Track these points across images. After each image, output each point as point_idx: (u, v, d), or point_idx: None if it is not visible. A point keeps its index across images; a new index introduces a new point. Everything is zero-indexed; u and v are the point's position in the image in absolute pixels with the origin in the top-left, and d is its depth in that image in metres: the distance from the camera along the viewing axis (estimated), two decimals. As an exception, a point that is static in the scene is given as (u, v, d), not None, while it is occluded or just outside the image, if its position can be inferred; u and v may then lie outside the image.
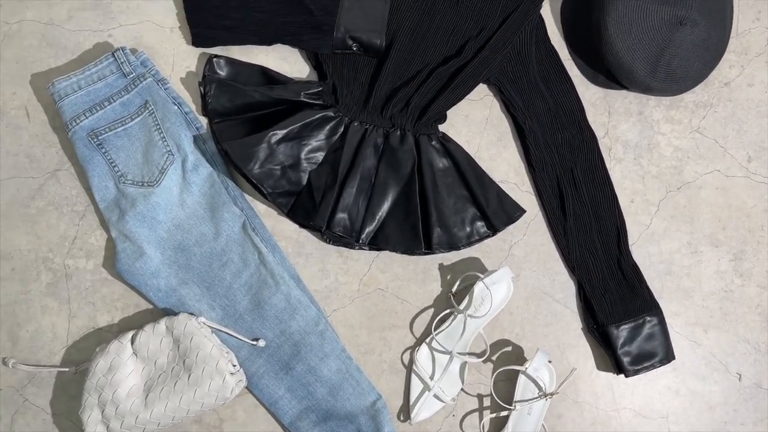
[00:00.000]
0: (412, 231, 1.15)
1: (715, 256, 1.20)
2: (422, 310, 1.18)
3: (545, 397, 1.10)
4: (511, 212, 1.18)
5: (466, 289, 1.17)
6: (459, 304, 1.15)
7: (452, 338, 1.14)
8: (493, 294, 1.13)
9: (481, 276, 1.12)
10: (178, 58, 1.21)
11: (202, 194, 1.17)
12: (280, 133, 1.14)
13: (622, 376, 1.16)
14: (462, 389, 1.15)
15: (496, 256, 1.20)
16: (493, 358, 1.17)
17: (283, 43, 1.19)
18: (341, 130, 1.18)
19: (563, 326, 1.18)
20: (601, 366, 1.18)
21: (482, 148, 1.23)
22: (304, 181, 1.17)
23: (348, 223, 1.14)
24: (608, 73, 1.21)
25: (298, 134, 1.16)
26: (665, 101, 1.24)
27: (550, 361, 1.14)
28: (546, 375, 1.12)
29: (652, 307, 1.17)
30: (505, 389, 1.16)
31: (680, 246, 1.21)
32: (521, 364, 1.11)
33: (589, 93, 1.24)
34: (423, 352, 1.15)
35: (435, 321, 1.15)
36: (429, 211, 1.15)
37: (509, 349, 1.17)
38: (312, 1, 1.17)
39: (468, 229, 1.17)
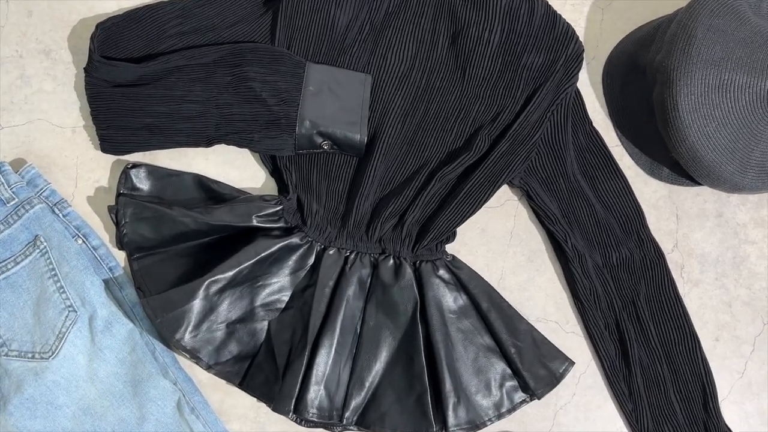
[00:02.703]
0: (418, 405, 0.81)
1: (837, 411, 0.87)
2: None
3: None
4: (555, 367, 0.84)
5: (497, 481, 0.83)
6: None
7: None
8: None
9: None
10: (83, 170, 0.88)
11: (119, 363, 0.83)
12: (223, 279, 0.80)
13: None
14: None
15: (536, 426, 0.86)
16: None
17: (227, 143, 0.86)
18: (311, 261, 0.85)
19: None
20: None
21: (507, 274, 0.89)
22: (262, 336, 0.84)
23: (325, 401, 0.80)
24: (674, 164, 0.89)
25: (251, 275, 0.82)
26: (753, 197, 0.92)
27: None
28: None
29: (760, 494, 0.83)
30: None
31: (788, 399, 0.88)
32: None
33: (648, 191, 0.91)
34: None
35: None
36: (440, 373, 0.82)
37: None
38: (264, 86, 0.85)
39: (496, 394, 0.84)
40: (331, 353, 0.81)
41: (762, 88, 0.79)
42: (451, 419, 0.81)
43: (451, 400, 0.81)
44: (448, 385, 0.81)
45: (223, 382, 0.84)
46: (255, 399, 0.84)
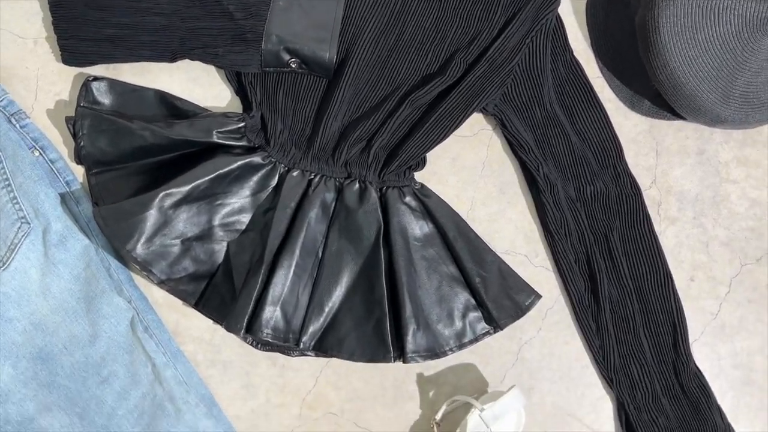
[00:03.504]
0: (377, 331, 0.79)
1: (813, 358, 0.84)
2: (393, 444, 0.82)
3: None
4: (521, 299, 0.82)
5: (457, 413, 0.81)
6: (445, 439, 0.79)
7: (436, 491, 0.78)
8: (495, 431, 0.77)
9: (477, 405, 0.76)
10: (44, 82, 0.85)
11: (74, 279, 0.81)
12: (178, 192, 0.78)
13: None
14: None
15: (499, 360, 0.84)
16: None
17: (192, 58, 0.83)
18: (274, 182, 0.83)
19: (597, 464, 0.82)
20: None
21: (478, 205, 0.86)
22: (220, 257, 0.81)
23: (281, 323, 0.78)
24: (656, 97, 0.85)
25: (209, 191, 0.80)
26: (737, 135, 0.88)
27: None
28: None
29: (726, 436, 0.81)
30: None
31: (762, 343, 0.85)
32: None
33: (628, 125, 0.88)
34: None
35: (410, 467, 0.79)
36: (401, 299, 0.79)
37: (520, 499, 0.81)
38: (231, 0, 0.82)
39: (458, 324, 0.81)
40: (289, 275, 0.79)
41: (748, 10, 0.75)
42: (409, 345, 0.78)
43: (410, 327, 0.79)
44: (408, 311, 0.79)
45: (180, 302, 0.82)
46: (211, 322, 0.82)
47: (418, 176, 0.85)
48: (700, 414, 0.81)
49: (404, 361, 0.78)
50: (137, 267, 0.77)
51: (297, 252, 0.79)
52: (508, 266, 0.83)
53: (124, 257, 0.78)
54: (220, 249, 0.81)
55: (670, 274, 0.83)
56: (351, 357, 0.79)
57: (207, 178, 0.79)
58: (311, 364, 0.83)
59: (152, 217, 0.77)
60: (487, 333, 0.82)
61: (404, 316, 0.79)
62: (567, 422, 0.82)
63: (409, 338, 0.79)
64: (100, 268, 0.81)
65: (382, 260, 0.81)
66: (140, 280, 0.83)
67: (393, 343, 0.79)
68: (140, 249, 0.76)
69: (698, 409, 0.81)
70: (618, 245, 0.84)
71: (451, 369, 0.83)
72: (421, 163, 0.85)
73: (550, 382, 0.83)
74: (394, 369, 0.83)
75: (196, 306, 0.81)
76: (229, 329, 0.76)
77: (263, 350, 0.81)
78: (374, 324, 0.79)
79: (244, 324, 0.76)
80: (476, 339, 0.81)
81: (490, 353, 0.84)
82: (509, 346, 0.84)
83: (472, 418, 0.76)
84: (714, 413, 0.81)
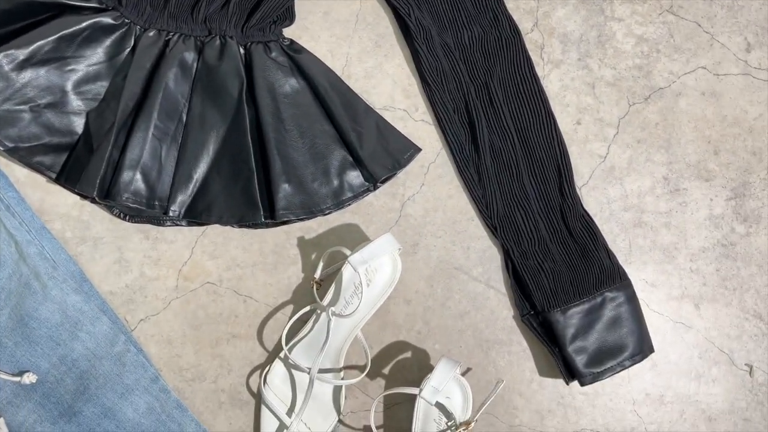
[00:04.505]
0: (245, 190, 0.76)
1: (706, 195, 0.82)
2: (276, 310, 0.79)
3: (457, 430, 0.72)
4: (399, 153, 0.78)
5: (337, 274, 0.78)
6: (323, 296, 0.76)
7: (316, 349, 0.75)
8: (367, 279, 0.74)
9: (346, 251, 0.73)
10: None
11: (-75, 160, 0.77)
12: (20, 54, 0.73)
13: (576, 383, 0.78)
14: (339, 421, 0.78)
15: (382, 218, 0.81)
16: (385, 371, 0.79)
17: None
18: (130, 44, 0.78)
19: (485, 316, 0.80)
20: (545, 371, 0.80)
21: (353, 61, 0.82)
22: (80, 128, 0.77)
23: (143, 187, 0.74)
24: (533, -67, 0.81)
25: (56, 54, 0.75)
26: (620, -30, 0.84)
27: (464, 373, 0.77)
28: (457, 394, 0.73)
29: (616, 278, 0.78)
30: (404, 415, 0.78)
31: (653, 183, 0.82)
32: (422, 379, 0.73)
33: (506, -34, 0.84)
34: (278, 373, 0.77)
35: (287, 325, 0.76)
36: (270, 156, 0.76)
37: (408, 355, 0.79)
38: None
39: (335, 182, 0.78)
40: (147, 137, 0.75)
41: None
42: (280, 202, 0.75)
43: (281, 184, 0.75)
44: (277, 168, 0.75)
45: (44, 180, 0.78)
46: (79, 198, 0.79)
47: (288, 33, 0.81)
48: (587, 255, 0.78)
49: (275, 219, 0.75)
50: (-23, 133, 0.73)
51: (154, 114, 0.75)
52: (386, 121, 0.79)
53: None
54: (79, 120, 0.77)
55: (554, 117, 0.80)
56: (220, 220, 0.76)
57: (51, 38, 0.74)
58: (186, 234, 0.79)
59: (-9, 79, 0.72)
60: (367, 190, 0.78)
61: (273, 173, 0.75)
62: (454, 275, 0.80)
63: (280, 195, 0.75)
64: (-48, 147, 0.77)
65: (247, 117, 0.77)
66: (-2, 159, 0.79)
67: (263, 202, 0.76)
68: (-20, 112, 0.72)
69: (585, 250, 0.78)
70: (498, 91, 0.80)
71: (333, 230, 0.80)
72: (288, 18, 0.81)
73: (435, 237, 0.80)
74: (273, 235, 0.79)
75: (58, 180, 0.77)
76: (82, 191, 0.73)
77: (132, 222, 0.78)
78: (243, 184, 0.76)
79: (96, 185, 0.72)
80: (355, 197, 0.78)
81: (373, 212, 0.80)
82: (392, 203, 0.81)
83: (347, 269, 0.74)
84: (601, 253, 0.79)
